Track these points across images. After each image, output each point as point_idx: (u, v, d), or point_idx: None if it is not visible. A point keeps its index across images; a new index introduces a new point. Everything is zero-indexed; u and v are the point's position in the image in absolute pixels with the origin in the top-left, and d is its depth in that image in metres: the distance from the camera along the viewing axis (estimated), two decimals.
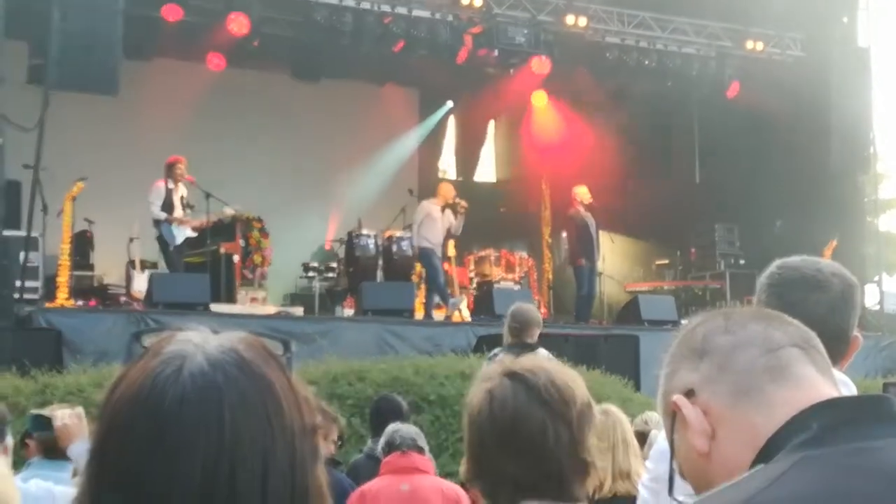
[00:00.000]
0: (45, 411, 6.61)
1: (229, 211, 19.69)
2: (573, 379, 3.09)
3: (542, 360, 3.20)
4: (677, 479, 2.14)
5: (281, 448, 1.64)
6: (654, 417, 8.44)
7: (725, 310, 2.19)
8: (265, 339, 1.77)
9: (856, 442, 1.82)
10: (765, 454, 1.91)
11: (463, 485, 8.15)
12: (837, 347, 3.48)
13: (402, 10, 20.61)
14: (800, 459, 1.82)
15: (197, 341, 1.69)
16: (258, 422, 1.63)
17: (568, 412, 2.98)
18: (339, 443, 8.27)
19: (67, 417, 6.18)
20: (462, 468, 3.18)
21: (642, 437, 7.75)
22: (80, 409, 6.36)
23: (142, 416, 1.61)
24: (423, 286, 20.16)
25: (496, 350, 11.16)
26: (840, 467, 1.78)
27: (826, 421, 1.88)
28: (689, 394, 2.06)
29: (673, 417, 2.09)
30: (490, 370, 3.13)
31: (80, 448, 6.03)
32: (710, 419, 2.03)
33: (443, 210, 19.70)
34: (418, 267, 20.48)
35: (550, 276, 25.27)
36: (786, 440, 1.88)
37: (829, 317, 3.55)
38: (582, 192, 20.68)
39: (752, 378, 2.01)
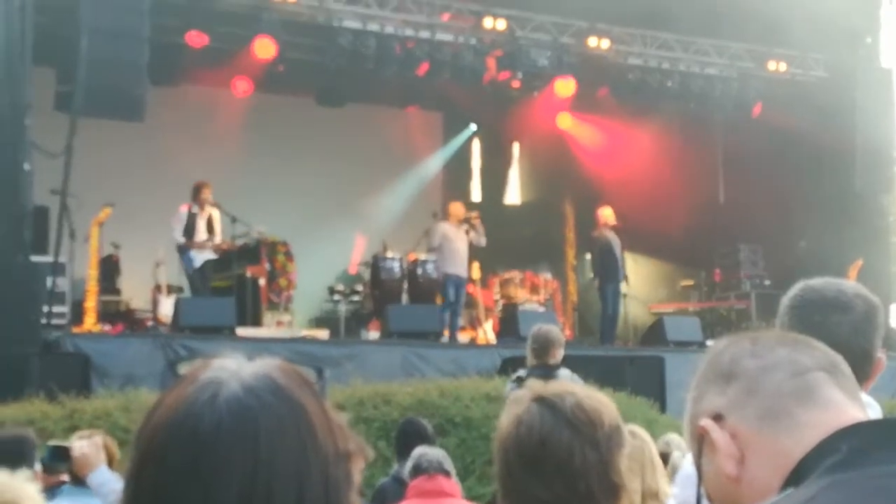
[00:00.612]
0: (63, 441, 6.61)
1: (259, 229, 19.74)
2: (601, 402, 3.10)
3: (572, 385, 3.21)
4: None
5: (316, 474, 1.65)
6: (675, 439, 8.47)
7: (752, 334, 2.18)
8: (299, 366, 1.78)
9: (885, 465, 1.82)
10: (794, 478, 1.91)
11: None
12: (861, 369, 3.44)
13: (425, 35, 20.65)
14: (829, 483, 1.82)
15: (232, 368, 1.71)
16: (293, 447, 1.64)
17: (595, 434, 2.98)
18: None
19: (86, 447, 6.22)
20: (496, 487, 3.17)
21: (663, 459, 7.77)
22: (98, 438, 6.41)
23: (178, 441, 1.63)
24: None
25: (519, 372, 11.18)
26: (869, 491, 1.78)
27: (855, 444, 1.87)
28: (717, 418, 2.06)
29: (700, 442, 2.09)
30: (519, 395, 3.14)
31: (99, 477, 6.10)
32: (738, 443, 2.02)
33: (466, 230, 19.77)
34: None
35: (575, 298, 25.28)
36: (815, 464, 1.88)
37: (853, 338, 3.55)
38: (607, 214, 20.75)
39: (780, 401, 2.01)
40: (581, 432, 2.98)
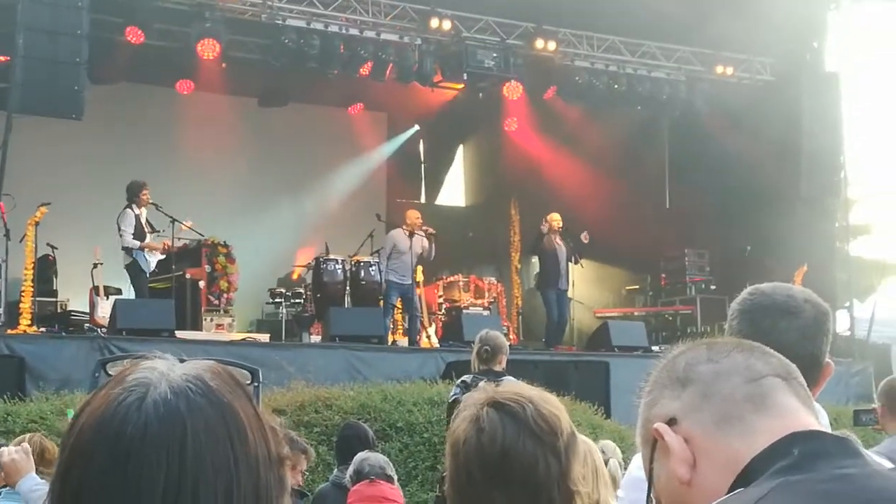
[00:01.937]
0: None
1: (186, 223, 19.42)
2: (557, 407, 3.04)
3: (525, 388, 3.13)
4: None
5: (245, 477, 1.60)
6: (610, 446, 8.50)
7: (707, 340, 2.15)
8: (233, 368, 1.76)
9: (836, 469, 1.82)
10: (744, 479, 1.89)
11: None
12: (810, 374, 3.39)
13: (370, 34, 20.57)
14: (779, 484, 1.81)
15: (162, 369, 1.66)
16: (222, 450, 1.59)
17: (557, 443, 2.95)
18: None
19: (15, 453, 6.13)
20: (447, 493, 3.07)
21: None
22: (26, 445, 6.33)
23: (104, 442, 1.58)
24: (403, 314, 20.00)
25: (464, 378, 11.07)
26: (818, 493, 1.78)
27: (807, 449, 1.87)
28: (671, 422, 2.03)
29: (653, 446, 2.06)
30: (474, 398, 3.06)
31: (28, 483, 6.02)
32: (691, 447, 2.00)
33: (410, 237, 19.56)
34: None
35: (520, 302, 25.21)
36: (766, 465, 1.88)
37: (801, 343, 3.55)
38: (554, 218, 20.65)
39: (734, 406, 1.99)
40: (543, 442, 2.94)
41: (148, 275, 18.39)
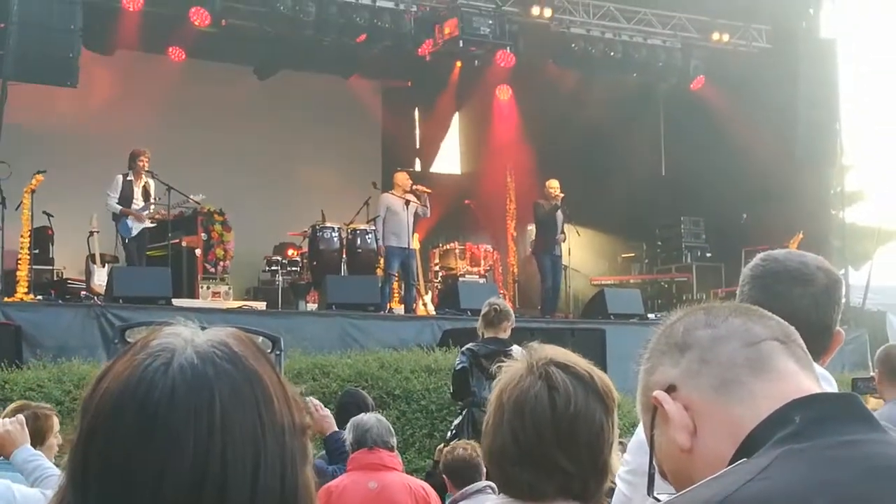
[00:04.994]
0: None
1: (197, 199, 19.49)
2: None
3: (568, 352, 3.13)
4: (657, 478, 2.11)
5: (272, 445, 1.61)
6: None
7: (705, 305, 2.14)
8: (254, 336, 1.76)
9: (837, 436, 1.81)
10: (747, 448, 1.88)
11: (429, 476, 8.03)
12: (820, 342, 3.50)
13: (365, 1, 20.43)
14: (783, 452, 1.80)
15: (186, 335, 1.66)
16: (249, 416, 1.60)
17: (614, 409, 3.02)
18: None
19: (9, 424, 6.09)
20: (496, 449, 3.05)
21: None
22: (21, 416, 6.27)
23: (130, 407, 1.58)
24: (400, 282, 19.96)
25: (470, 345, 11.10)
26: (823, 460, 1.77)
27: (808, 415, 1.86)
28: (670, 389, 2.03)
29: (653, 413, 2.06)
30: (532, 356, 3.05)
31: (22, 455, 5.98)
32: (691, 414, 1.99)
33: (406, 201, 19.48)
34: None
35: (515, 270, 25.24)
36: (768, 434, 1.86)
37: (813, 311, 3.55)
38: (552, 186, 20.60)
39: (733, 371, 1.98)
40: (607, 407, 3.01)
41: (128, 241, 18.33)
